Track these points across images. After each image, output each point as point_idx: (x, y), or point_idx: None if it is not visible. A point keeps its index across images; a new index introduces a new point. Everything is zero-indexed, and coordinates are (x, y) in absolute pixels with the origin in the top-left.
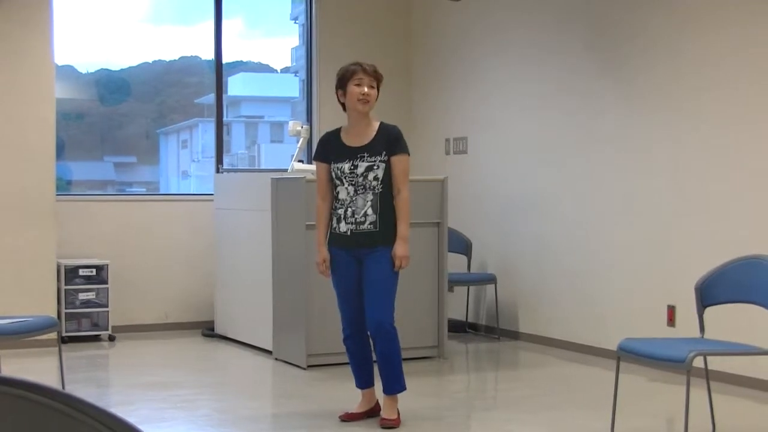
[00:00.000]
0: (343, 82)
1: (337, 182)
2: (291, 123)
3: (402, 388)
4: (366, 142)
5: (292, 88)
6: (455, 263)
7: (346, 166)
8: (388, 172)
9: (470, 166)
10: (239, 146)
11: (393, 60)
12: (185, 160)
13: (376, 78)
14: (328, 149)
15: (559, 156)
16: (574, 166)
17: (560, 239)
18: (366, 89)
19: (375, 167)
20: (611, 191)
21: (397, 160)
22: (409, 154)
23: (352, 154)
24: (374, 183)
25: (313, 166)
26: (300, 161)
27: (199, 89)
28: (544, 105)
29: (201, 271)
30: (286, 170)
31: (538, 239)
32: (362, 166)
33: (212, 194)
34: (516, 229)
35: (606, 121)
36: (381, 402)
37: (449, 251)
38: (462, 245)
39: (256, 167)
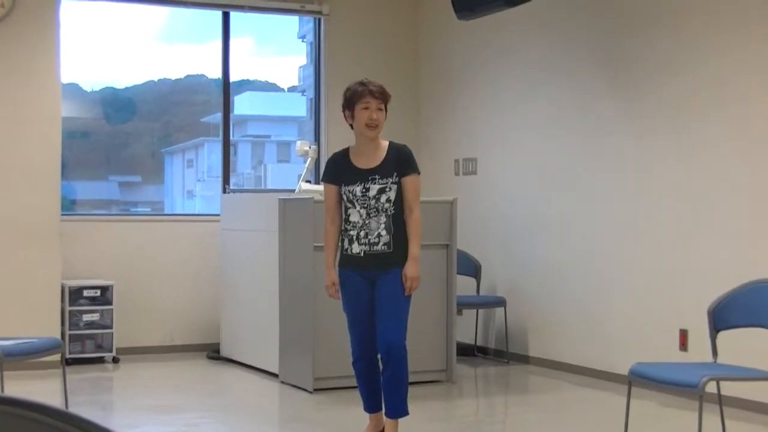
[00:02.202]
0: (350, 103)
1: (349, 205)
2: (298, 143)
3: (406, 412)
4: (377, 163)
5: (300, 107)
6: (464, 286)
7: (358, 189)
8: (399, 193)
9: (480, 188)
10: (246, 166)
11: (401, 78)
12: (191, 179)
13: (384, 100)
14: (338, 171)
15: (569, 177)
16: (583, 188)
17: (570, 262)
18: (374, 114)
19: (387, 189)
20: (621, 213)
21: (408, 181)
22: (419, 174)
23: (363, 176)
24: (387, 205)
25: (320, 187)
26: (308, 182)
27: (205, 108)
28: (554, 126)
29: (206, 292)
30: (293, 191)
31: (548, 261)
32: (374, 189)
33: (218, 215)
34: (526, 252)
35: (616, 142)
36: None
37: (458, 273)
38: (471, 267)
39: (263, 187)
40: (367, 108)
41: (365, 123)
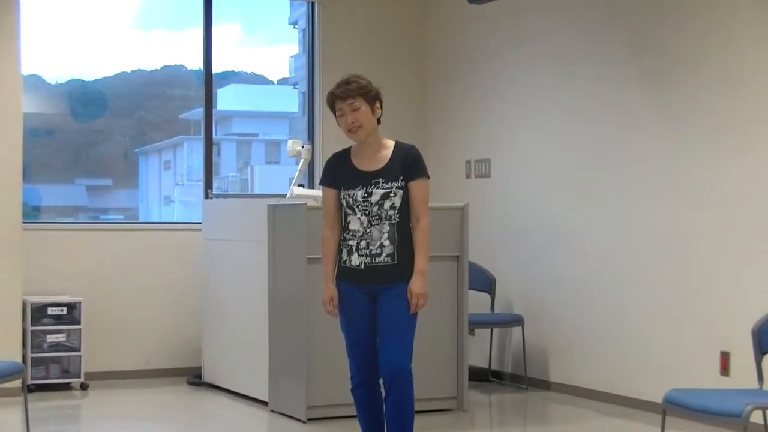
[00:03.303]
0: (331, 109)
1: (348, 211)
2: (290, 142)
3: None
4: (380, 166)
5: (291, 101)
6: (477, 302)
7: (359, 194)
8: (405, 199)
9: (494, 192)
10: (230, 168)
11: (406, 70)
12: (168, 183)
13: (359, 94)
14: (337, 173)
15: (594, 181)
16: (610, 194)
17: (596, 275)
18: (350, 117)
19: (392, 195)
20: (653, 221)
21: (416, 186)
22: (428, 178)
23: (365, 179)
24: (391, 212)
25: (314, 192)
26: (300, 185)
27: (184, 103)
28: (577, 123)
29: (187, 310)
30: (284, 196)
31: (571, 275)
32: (377, 194)
33: (200, 223)
34: (546, 264)
35: (646, 144)
36: None
37: (470, 289)
38: (484, 282)
39: (250, 192)
40: (342, 115)
41: (346, 129)
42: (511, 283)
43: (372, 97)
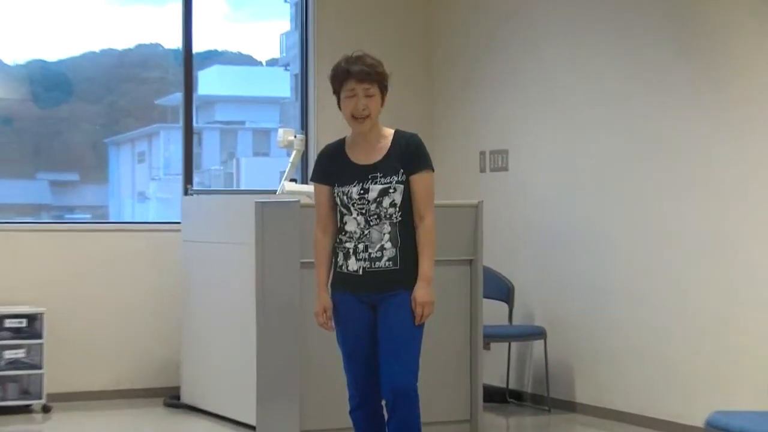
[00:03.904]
0: (335, 89)
1: (344, 210)
2: (281, 131)
3: None
4: (378, 158)
5: (282, 85)
6: (492, 313)
7: (354, 191)
8: (407, 195)
9: (512, 187)
10: (213, 161)
11: (410, 49)
12: (143, 178)
13: (375, 80)
14: (330, 167)
15: (626, 176)
16: (644, 190)
17: (628, 283)
18: (361, 103)
19: (391, 190)
20: (693, 225)
21: (418, 180)
22: (433, 170)
23: (362, 174)
24: (391, 211)
25: (308, 187)
26: (293, 180)
27: (161, 87)
28: (607, 110)
29: (164, 322)
30: (274, 192)
31: (601, 283)
32: (375, 190)
33: (179, 222)
34: (572, 270)
35: (686, 136)
36: None
37: (485, 297)
38: (501, 289)
39: (236, 188)
40: (351, 96)
41: (351, 114)
42: (531, 291)
43: (385, 86)
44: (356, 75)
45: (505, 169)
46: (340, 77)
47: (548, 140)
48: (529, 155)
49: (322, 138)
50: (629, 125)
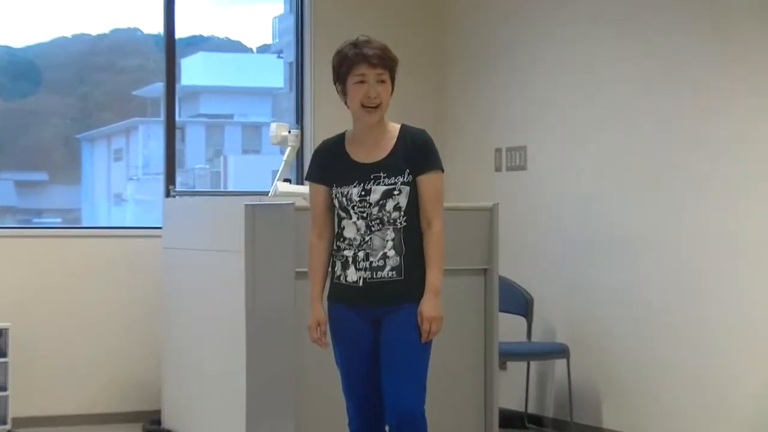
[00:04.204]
0: (340, 75)
1: (342, 214)
2: (273, 126)
3: None
4: (382, 156)
5: (275, 74)
6: (509, 328)
7: (355, 192)
8: (413, 197)
9: (531, 188)
10: (198, 159)
11: (420, 37)
12: (119, 178)
13: (387, 66)
14: (328, 166)
15: (662, 174)
16: (684, 190)
17: (665, 295)
18: (373, 90)
19: (396, 192)
20: (742, 228)
21: (426, 180)
22: (443, 170)
23: (363, 174)
24: (395, 215)
25: (304, 188)
26: (287, 180)
27: (139, 76)
28: (640, 100)
29: (143, 338)
30: (266, 193)
31: (632, 295)
32: (377, 192)
33: (159, 228)
34: (599, 280)
35: (733, 129)
36: None
37: (501, 311)
38: (519, 302)
39: (223, 189)
40: (362, 81)
41: (361, 103)
42: (553, 304)
43: (394, 76)
44: (369, 58)
45: (524, 167)
46: (350, 61)
47: (573, 135)
48: (550, 152)
49: (319, 133)
50: (668, 117)
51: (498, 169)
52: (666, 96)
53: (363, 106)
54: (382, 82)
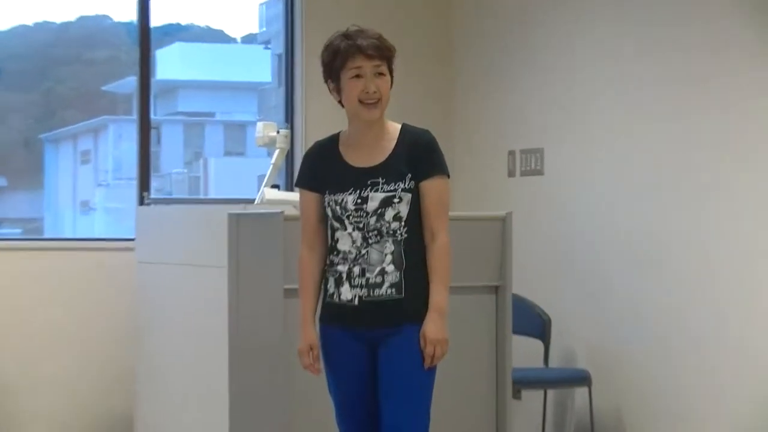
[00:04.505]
0: (332, 70)
1: (336, 224)
2: (260, 125)
3: None
4: (380, 159)
5: (262, 68)
6: (524, 352)
7: (350, 199)
8: (416, 205)
9: (548, 195)
10: (175, 162)
11: (424, 28)
12: (87, 183)
13: (385, 57)
14: (320, 171)
15: (695, 179)
16: (720, 197)
17: (699, 314)
18: (371, 84)
19: (395, 200)
20: None
21: (430, 187)
22: (448, 176)
23: (359, 179)
24: (395, 225)
25: (294, 195)
26: (275, 187)
27: (109, 69)
28: (671, 97)
29: (113, 364)
30: (252, 201)
31: (662, 314)
32: (375, 200)
33: (132, 239)
34: (624, 298)
35: (759, 130)
36: None
37: (515, 333)
38: (535, 324)
39: (204, 196)
40: (358, 75)
41: (358, 98)
42: (573, 326)
43: (392, 67)
44: (366, 50)
45: (540, 172)
46: (344, 53)
47: (595, 136)
48: (570, 155)
49: (311, 134)
50: (702, 116)
51: (511, 173)
52: (704, 93)
53: (361, 102)
54: (381, 74)
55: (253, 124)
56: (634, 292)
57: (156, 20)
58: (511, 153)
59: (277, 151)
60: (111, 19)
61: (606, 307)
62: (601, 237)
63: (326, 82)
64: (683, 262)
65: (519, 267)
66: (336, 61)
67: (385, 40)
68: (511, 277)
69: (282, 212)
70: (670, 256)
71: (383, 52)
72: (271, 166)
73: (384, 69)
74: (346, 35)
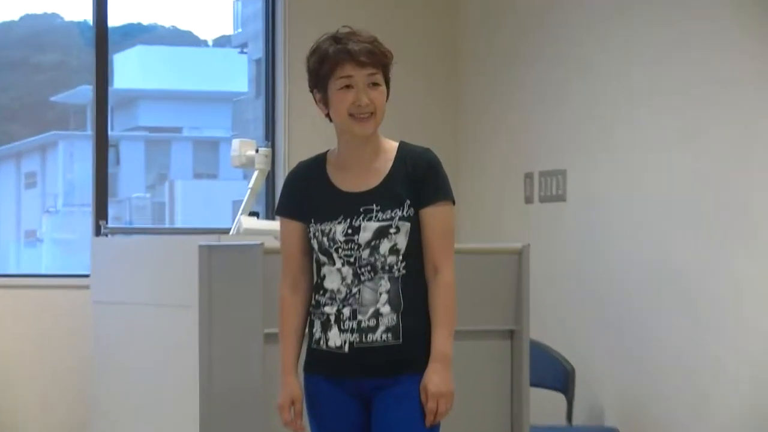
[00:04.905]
0: (318, 78)
1: (323, 258)
2: (236, 143)
3: None
4: (374, 183)
5: (237, 76)
6: (545, 406)
7: (339, 230)
8: (415, 236)
9: (571, 225)
10: (136, 185)
11: (427, 33)
12: (33, 210)
13: (381, 64)
14: (304, 196)
15: (744, 208)
16: (766, 231)
17: (741, 365)
18: (364, 96)
19: (392, 230)
20: None
21: (432, 215)
22: (453, 202)
23: (350, 206)
24: (391, 260)
25: (276, 224)
26: (253, 214)
27: (60, 77)
28: (715, 112)
29: (65, 422)
30: (227, 231)
31: (702, 364)
32: (369, 230)
33: (87, 275)
34: (659, 345)
35: None
36: None
37: (533, 385)
38: (556, 374)
39: (170, 225)
40: (349, 86)
41: (348, 112)
42: (600, 376)
43: (388, 76)
44: (357, 55)
45: (562, 198)
46: (332, 59)
47: (625, 156)
48: (596, 178)
49: (295, 153)
50: (754, 134)
51: (529, 200)
52: (754, 108)
53: (352, 116)
54: (375, 84)
55: (228, 141)
56: (670, 338)
57: (114, 20)
58: (529, 176)
59: (255, 173)
60: (61, 18)
61: (638, 356)
62: (632, 274)
63: (312, 91)
64: (728, 305)
65: (537, 308)
66: (323, 68)
67: (381, 45)
68: (528, 319)
69: (261, 244)
70: (714, 298)
71: (378, 59)
72: (249, 191)
73: (379, 78)
74: (336, 38)
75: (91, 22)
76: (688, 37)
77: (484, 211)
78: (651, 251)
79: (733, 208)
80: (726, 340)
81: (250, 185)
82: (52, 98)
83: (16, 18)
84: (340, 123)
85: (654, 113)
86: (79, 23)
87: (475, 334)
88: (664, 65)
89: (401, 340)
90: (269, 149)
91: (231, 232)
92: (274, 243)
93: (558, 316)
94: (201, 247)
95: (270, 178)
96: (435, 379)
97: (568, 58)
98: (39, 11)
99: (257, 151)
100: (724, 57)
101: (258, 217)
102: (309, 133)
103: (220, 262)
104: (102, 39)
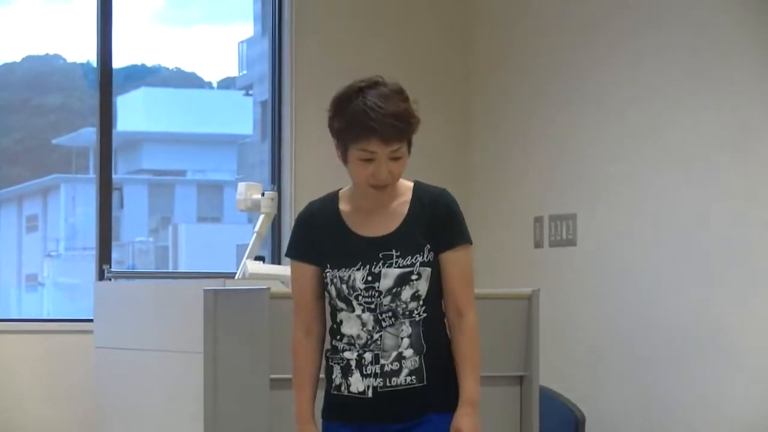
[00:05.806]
0: (340, 138)
1: (341, 304)
2: (241, 186)
3: None
4: (392, 227)
5: (243, 118)
6: None
7: (359, 277)
8: (435, 280)
9: (582, 270)
10: (140, 229)
11: (439, 72)
12: (34, 254)
13: (408, 134)
14: (319, 240)
15: (758, 256)
16: None
17: (760, 413)
18: (384, 171)
19: (413, 276)
20: None
21: (454, 259)
22: (471, 243)
23: (368, 252)
24: (413, 305)
25: (284, 269)
26: (259, 259)
27: (62, 119)
28: (726, 159)
29: None
30: (233, 276)
31: (718, 414)
32: (389, 277)
33: (90, 320)
34: (672, 395)
35: None
36: None
37: None
38: (567, 422)
39: (174, 269)
40: (370, 160)
41: (367, 182)
42: (612, 425)
43: (411, 140)
44: (384, 134)
45: (572, 243)
46: (356, 131)
47: (638, 200)
48: (608, 222)
49: (302, 197)
50: (764, 180)
51: (538, 244)
52: (756, 158)
53: (370, 185)
54: (398, 158)
55: (232, 184)
56: (682, 387)
57: (118, 61)
58: (538, 219)
59: (261, 217)
60: (64, 59)
61: (651, 404)
62: (645, 320)
63: (332, 134)
64: (743, 352)
65: (548, 354)
66: (346, 133)
67: (410, 113)
68: (538, 365)
69: (268, 289)
70: (732, 346)
71: (405, 134)
72: (255, 235)
73: (402, 151)
74: (365, 99)
75: (93, 64)
76: (702, 77)
77: (493, 255)
78: (663, 297)
79: (750, 253)
80: (740, 390)
81: (256, 229)
82: (55, 141)
83: (18, 59)
84: (356, 184)
85: (666, 156)
86: (81, 65)
87: (484, 379)
88: (677, 107)
89: (426, 381)
90: (275, 193)
91: (236, 277)
92: (280, 287)
93: (568, 362)
94: (206, 291)
95: (276, 222)
96: (467, 422)
97: (577, 101)
98: (41, 52)
99: (263, 194)
100: (740, 101)
101: (264, 262)
102: (316, 177)
103: (226, 306)
104: (106, 81)
